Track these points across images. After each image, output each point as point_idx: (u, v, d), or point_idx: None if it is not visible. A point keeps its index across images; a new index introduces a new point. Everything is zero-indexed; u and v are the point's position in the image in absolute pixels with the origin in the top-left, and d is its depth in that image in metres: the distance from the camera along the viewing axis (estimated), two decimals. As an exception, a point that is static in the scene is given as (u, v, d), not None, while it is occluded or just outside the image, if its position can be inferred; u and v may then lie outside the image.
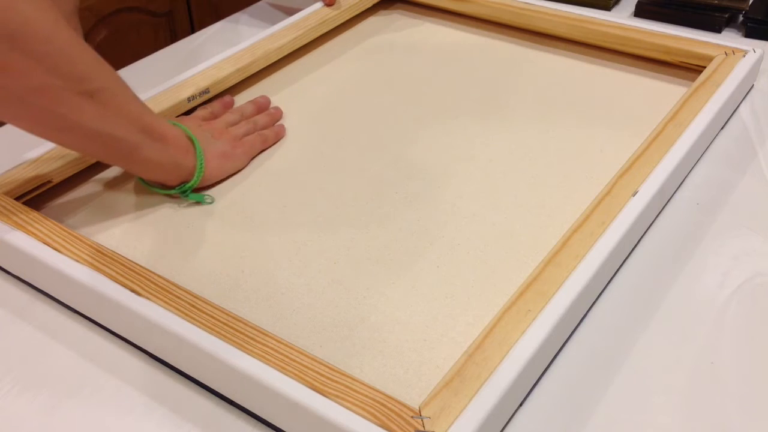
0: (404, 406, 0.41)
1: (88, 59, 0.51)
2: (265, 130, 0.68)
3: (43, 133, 0.53)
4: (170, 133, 0.58)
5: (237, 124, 0.68)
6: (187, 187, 0.60)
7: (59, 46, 0.49)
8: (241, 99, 0.75)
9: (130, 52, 0.91)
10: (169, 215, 0.60)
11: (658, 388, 0.46)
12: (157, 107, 0.67)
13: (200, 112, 0.69)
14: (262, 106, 0.72)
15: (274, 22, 0.81)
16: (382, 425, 0.40)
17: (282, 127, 0.69)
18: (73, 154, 0.62)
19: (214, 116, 0.69)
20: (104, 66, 0.53)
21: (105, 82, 0.53)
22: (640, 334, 0.49)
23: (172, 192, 0.61)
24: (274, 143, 0.68)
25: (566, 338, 0.49)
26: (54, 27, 0.49)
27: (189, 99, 0.70)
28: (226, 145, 0.64)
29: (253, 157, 0.66)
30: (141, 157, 0.57)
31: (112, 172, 0.65)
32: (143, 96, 0.68)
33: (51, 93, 0.50)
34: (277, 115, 0.71)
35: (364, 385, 0.42)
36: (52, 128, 0.53)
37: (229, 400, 0.46)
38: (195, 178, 0.60)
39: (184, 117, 0.68)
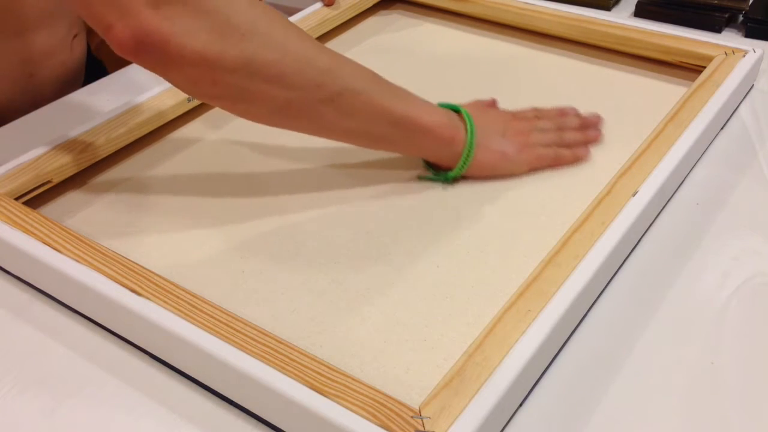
0: (404, 406, 0.41)
1: (321, 65, 0.52)
2: (566, 149, 0.63)
3: (308, 133, 0.57)
4: (429, 124, 0.57)
5: (546, 131, 0.64)
6: (450, 176, 0.60)
7: (289, 62, 0.51)
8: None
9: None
10: (169, 215, 0.60)
11: (658, 388, 0.46)
12: (158, 107, 0.67)
13: (525, 112, 0.66)
14: (588, 122, 0.66)
15: (274, 22, 0.81)
16: (382, 425, 0.40)
17: (586, 150, 0.63)
18: (72, 154, 0.62)
19: (535, 117, 0.65)
20: (341, 66, 0.54)
21: (343, 84, 0.53)
22: (640, 334, 0.49)
23: (435, 179, 0.61)
24: (568, 164, 0.63)
25: (566, 338, 0.49)
26: (282, 43, 0.51)
27: (189, 99, 0.70)
28: (511, 147, 0.61)
29: (536, 170, 0.62)
30: (399, 147, 0.60)
31: (113, 172, 0.65)
32: (144, 96, 0.68)
33: (294, 106, 0.53)
34: (593, 137, 0.65)
35: (364, 385, 0.42)
36: (312, 130, 0.57)
37: (229, 400, 0.46)
38: (456, 168, 0.60)
39: (481, 101, 0.67)
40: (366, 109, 0.55)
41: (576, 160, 0.63)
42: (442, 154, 0.60)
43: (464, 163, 0.59)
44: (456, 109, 0.61)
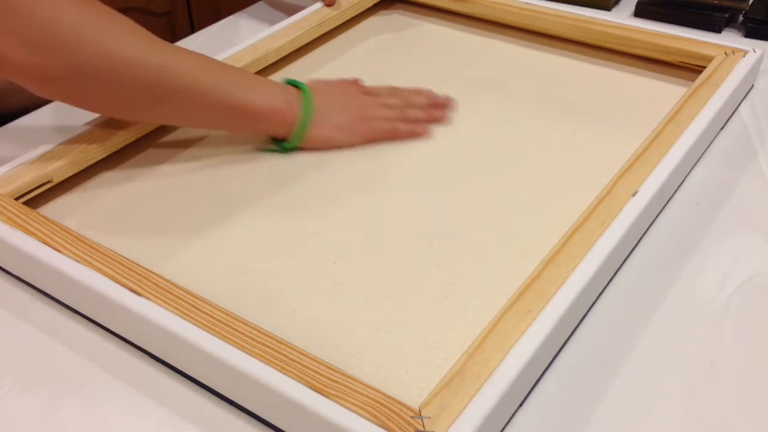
0: (404, 406, 0.41)
1: (153, 65, 0.56)
2: (404, 124, 0.67)
3: (153, 123, 0.65)
4: (264, 108, 0.61)
5: (390, 107, 0.67)
6: (285, 147, 0.64)
7: (118, 67, 0.54)
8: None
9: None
10: (169, 215, 0.60)
11: (658, 388, 0.46)
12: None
13: (378, 89, 0.69)
14: (436, 102, 0.69)
15: (274, 22, 0.81)
16: (382, 425, 0.40)
17: (426, 128, 0.67)
18: (72, 154, 0.62)
19: (386, 94, 0.68)
20: (175, 64, 0.57)
21: (176, 82, 0.57)
22: (640, 334, 0.49)
23: (274, 150, 0.65)
24: (406, 138, 0.66)
25: (566, 338, 0.49)
26: (109, 48, 0.54)
27: (189, 99, 0.70)
28: (349, 120, 0.65)
29: (373, 141, 0.66)
30: (238, 130, 0.65)
31: (113, 172, 0.65)
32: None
33: (131, 105, 0.58)
34: (437, 117, 0.68)
35: (364, 385, 0.42)
36: (156, 122, 0.64)
37: (229, 400, 0.46)
38: (289, 141, 0.63)
39: (340, 80, 0.71)
40: (201, 102, 0.59)
41: (412, 135, 0.66)
42: (278, 132, 0.64)
43: (297, 137, 0.63)
44: (298, 86, 0.65)
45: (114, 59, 0.54)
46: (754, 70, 0.71)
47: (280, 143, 0.65)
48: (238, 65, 0.74)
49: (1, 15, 0.51)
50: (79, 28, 0.53)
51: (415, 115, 0.67)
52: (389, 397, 0.41)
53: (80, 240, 0.52)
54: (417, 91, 0.70)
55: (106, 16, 0.55)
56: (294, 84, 0.65)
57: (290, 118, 0.63)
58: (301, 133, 0.63)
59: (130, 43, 0.55)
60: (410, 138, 0.66)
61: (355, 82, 0.71)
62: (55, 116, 0.74)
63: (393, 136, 0.66)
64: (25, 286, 0.55)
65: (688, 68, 0.73)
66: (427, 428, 0.40)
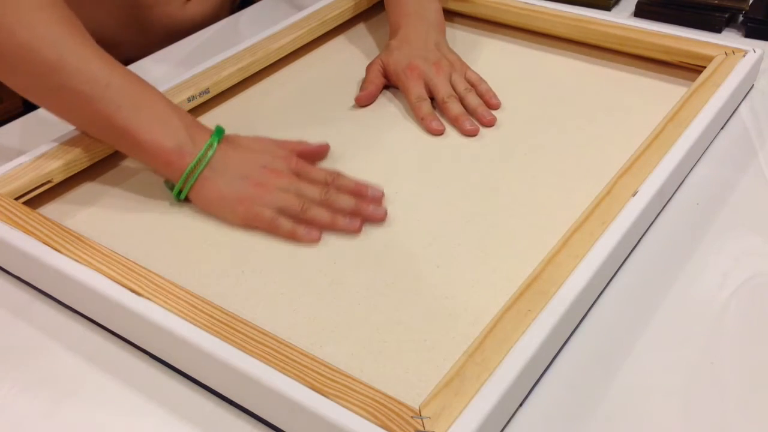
0: (404, 406, 0.41)
1: (49, 57, 0.55)
2: (290, 221, 0.56)
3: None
4: (148, 142, 0.56)
5: (312, 193, 0.57)
6: (173, 194, 0.59)
7: (14, 48, 0.55)
8: (241, 99, 0.75)
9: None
10: (169, 215, 0.60)
11: (658, 388, 0.46)
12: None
13: (309, 170, 0.59)
14: (358, 210, 0.57)
15: (274, 22, 0.81)
16: (382, 425, 0.40)
17: (313, 234, 0.56)
18: (72, 154, 0.62)
19: (307, 179, 0.59)
20: (74, 62, 0.56)
21: (64, 81, 0.56)
22: (640, 334, 0.49)
23: (169, 189, 0.60)
24: (286, 238, 0.56)
25: (566, 338, 0.49)
26: (9, 28, 0.55)
27: (189, 99, 0.70)
28: (236, 194, 0.57)
29: (252, 227, 0.57)
30: (124, 152, 0.61)
31: (113, 172, 0.65)
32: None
33: (29, 91, 0.59)
34: (340, 225, 0.56)
35: (364, 385, 0.42)
36: (58, 115, 0.61)
37: (229, 400, 0.46)
38: (174, 191, 0.58)
39: (279, 142, 0.61)
40: (84, 110, 0.57)
41: (292, 238, 0.56)
42: (164, 173, 0.59)
43: (179, 190, 0.58)
44: (221, 132, 0.59)
45: (12, 38, 0.55)
46: (754, 70, 0.71)
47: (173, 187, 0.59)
48: (238, 65, 0.74)
49: None
50: None
51: (313, 214, 0.56)
52: (389, 397, 0.41)
53: (80, 240, 0.52)
54: (357, 189, 0.58)
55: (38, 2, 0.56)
56: (218, 131, 0.59)
57: (177, 164, 0.56)
58: (186, 186, 0.57)
59: (40, 28, 0.56)
60: (290, 239, 0.56)
61: (289, 152, 0.60)
62: (56, 117, 0.74)
63: (271, 230, 0.56)
64: (25, 286, 0.55)
65: (688, 68, 0.73)
66: (427, 428, 0.40)
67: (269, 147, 0.60)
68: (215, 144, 0.58)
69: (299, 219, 0.56)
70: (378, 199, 0.59)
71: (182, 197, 0.59)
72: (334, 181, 0.58)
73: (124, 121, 0.57)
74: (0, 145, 0.69)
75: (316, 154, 0.63)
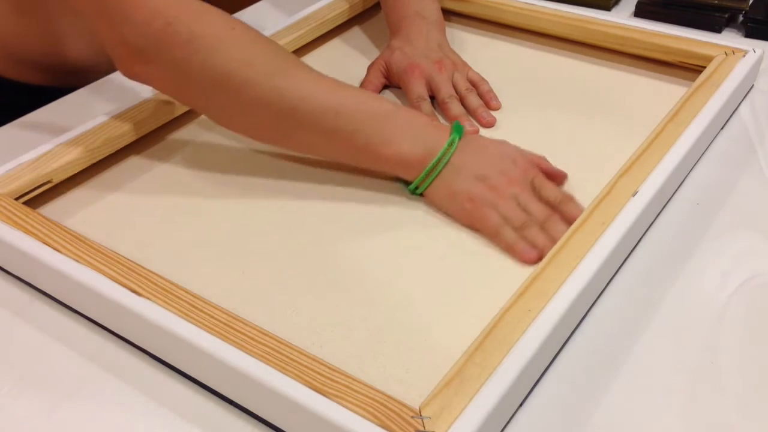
0: (404, 406, 0.41)
1: (277, 105, 0.56)
2: (515, 235, 0.54)
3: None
4: (387, 153, 0.57)
5: (523, 214, 0.56)
6: (409, 189, 0.60)
7: (247, 102, 0.56)
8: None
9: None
10: (169, 215, 0.60)
11: (658, 388, 0.46)
12: (157, 107, 0.67)
13: (536, 178, 0.58)
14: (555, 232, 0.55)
15: (274, 22, 0.81)
16: (382, 425, 0.40)
17: (533, 255, 0.53)
18: (72, 154, 0.62)
19: (532, 191, 0.57)
20: (299, 104, 0.56)
21: (296, 122, 0.56)
22: (640, 334, 0.49)
23: (403, 185, 0.61)
24: (502, 248, 0.55)
25: (566, 338, 0.49)
26: (241, 85, 0.55)
27: (189, 99, 0.70)
28: (468, 192, 0.56)
29: (474, 228, 0.56)
30: (361, 166, 0.61)
31: (113, 172, 0.65)
32: (144, 96, 0.68)
33: (258, 134, 0.61)
34: (539, 250, 0.54)
35: (364, 385, 0.42)
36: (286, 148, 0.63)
37: (229, 400, 0.46)
38: (413, 185, 0.59)
39: (520, 150, 0.60)
40: (324, 141, 0.58)
41: (510, 249, 0.54)
42: (403, 175, 0.60)
43: (421, 185, 0.59)
44: (460, 129, 0.59)
45: (246, 94, 0.56)
46: (754, 70, 0.71)
47: (409, 183, 0.60)
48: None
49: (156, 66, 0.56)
50: (207, 69, 0.55)
51: (530, 234, 0.54)
52: (389, 397, 0.41)
53: (80, 240, 0.52)
54: (567, 197, 0.57)
55: (240, 46, 0.57)
56: (456, 129, 0.59)
57: (416, 165, 0.58)
58: (425, 184, 0.58)
59: (260, 76, 0.56)
60: (508, 251, 0.54)
61: (530, 163, 0.59)
62: (55, 116, 0.74)
63: (491, 236, 0.55)
64: (25, 286, 0.55)
65: (688, 68, 0.73)
66: (427, 428, 0.40)
67: (512, 153, 0.59)
68: (456, 142, 0.58)
69: (518, 232, 0.55)
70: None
71: (418, 193, 0.59)
72: (561, 205, 0.56)
73: (362, 141, 0.57)
74: (0, 145, 0.69)
75: (553, 175, 0.60)
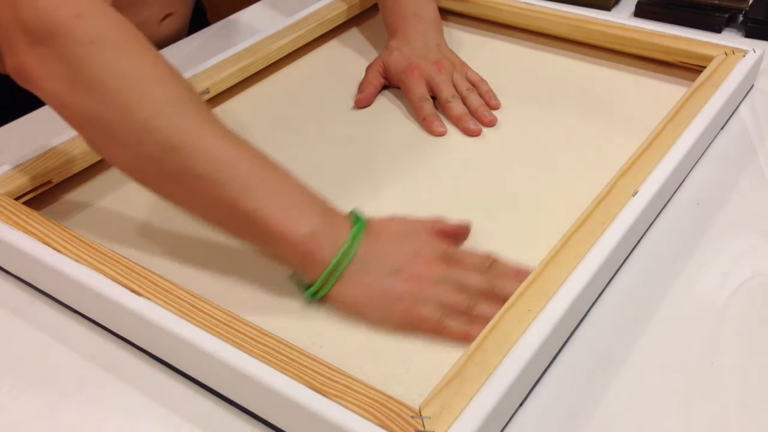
0: (404, 406, 0.41)
1: (164, 139, 0.47)
2: (457, 321, 0.48)
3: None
4: (282, 230, 0.47)
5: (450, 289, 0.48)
6: (307, 295, 0.50)
7: (129, 129, 0.47)
8: (242, 99, 0.75)
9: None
10: (169, 215, 0.60)
11: (658, 388, 0.46)
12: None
13: (454, 253, 0.51)
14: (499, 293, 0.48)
15: (274, 22, 0.81)
16: (382, 425, 0.40)
17: (477, 330, 0.45)
18: (72, 154, 0.62)
19: (457, 264, 0.50)
20: (192, 143, 0.47)
21: (184, 165, 0.47)
22: (640, 334, 0.49)
23: (300, 288, 0.51)
24: (450, 339, 0.48)
25: (566, 338, 0.49)
26: (126, 106, 0.47)
27: (189, 99, 0.70)
28: (390, 292, 0.48)
29: (406, 331, 0.48)
30: (252, 245, 0.51)
31: (113, 172, 0.65)
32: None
33: (141, 173, 0.50)
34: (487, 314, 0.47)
35: (364, 385, 0.42)
36: (168, 200, 0.51)
37: (229, 400, 0.46)
38: (310, 291, 0.49)
39: (418, 222, 0.52)
40: (205, 196, 0.48)
41: (465, 339, 0.47)
42: (300, 269, 0.50)
43: (321, 288, 0.49)
44: (360, 217, 0.51)
45: (127, 118, 0.47)
46: (754, 70, 0.71)
47: (304, 286, 0.51)
48: (239, 65, 0.74)
49: (48, 48, 0.47)
50: (106, 78, 0.47)
51: (482, 310, 0.48)
52: (389, 396, 0.41)
53: (80, 240, 0.52)
54: (519, 273, 0.50)
55: (147, 71, 0.49)
56: (357, 219, 0.51)
57: (315, 256, 0.48)
58: (327, 285, 0.49)
59: (155, 107, 0.47)
60: (455, 341, 0.48)
61: (432, 234, 0.52)
62: (55, 116, 0.74)
63: (437, 333, 0.48)
64: (25, 286, 0.55)
65: (688, 68, 0.73)
66: (427, 428, 0.40)
67: (413, 230, 0.52)
68: (360, 234, 0.49)
69: (466, 316, 0.48)
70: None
71: (318, 297, 0.49)
72: (492, 267, 0.50)
73: (252, 204, 0.47)
74: (0, 145, 0.69)
75: (457, 234, 0.54)
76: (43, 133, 0.71)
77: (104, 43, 0.48)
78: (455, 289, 0.48)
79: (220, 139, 0.49)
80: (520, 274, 0.49)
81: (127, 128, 0.47)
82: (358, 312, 0.49)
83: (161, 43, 0.88)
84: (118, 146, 0.49)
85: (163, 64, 0.50)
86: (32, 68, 0.48)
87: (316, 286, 0.49)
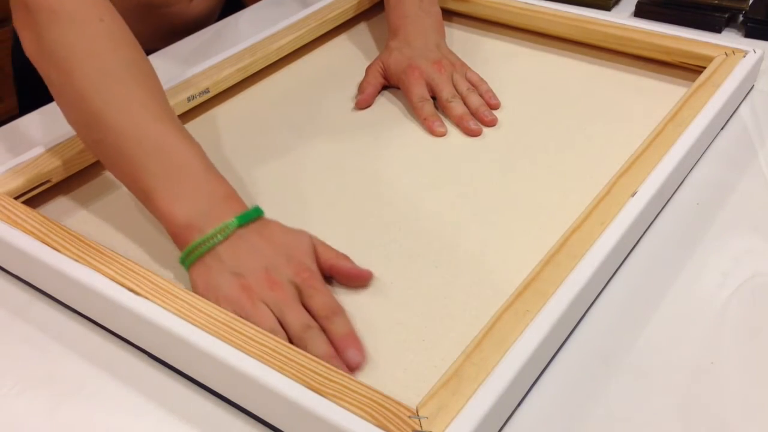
0: (402, 406, 0.41)
1: (92, 108, 0.54)
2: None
3: None
4: (164, 209, 0.51)
5: (307, 318, 0.48)
6: (179, 259, 0.52)
7: (68, 95, 0.55)
8: (242, 99, 0.75)
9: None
10: (168, 215, 0.60)
11: (658, 388, 0.46)
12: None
13: (302, 272, 0.50)
14: (345, 356, 0.47)
15: (274, 22, 0.81)
16: (380, 425, 0.40)
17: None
18: (72, 154, 0.62)
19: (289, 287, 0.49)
20: (114, 115, 0.53)
21: (104, 134, 0.54)
22: (639, 334, 0.49)
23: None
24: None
25: (565, 338, 0.49)
26: (69, 72, 0.54)
27: (189, 99, 0.70)
28: (216, 286, 0.49)
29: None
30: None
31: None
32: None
33: (78, 135, 0.58)
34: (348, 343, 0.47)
35: (362, 385, 0.42)
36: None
37: (229, 400, 0.46)
38: (180, 258, 0.52)
39: (309, 247, 0.52)
40: (119, 166, 0.54)
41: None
42: (174, 241, 0.53)
43: (183, 262, 0.52)
44: (249, 216, 0.52)
45: (69, 84, 0.54)
46: (754, 71, 0.71)
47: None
48: (238, 65, 0.74)
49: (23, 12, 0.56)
50: (61, 42, 0.55)
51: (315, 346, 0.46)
52: (387, 397, 0.41)
53: (80, 240, 0.52)
54: (343, 343, 0.47)
55: (97, 42, 0.55)
56: (250, 212, 0.52)
57: (183, 237, 0.51)
58: (186, 263, 0.51)
59: (95, 77, 0.54)
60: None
61: (304, 264, 0.51)
62: (55, 116, 0.74)
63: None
64: (25, 286, 0.55)
65: (688, 68, 0.73)
66: (424, 428, 0.40)
67: (291, 248, 0.51)
68: (230, 228, 0.50)
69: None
70: (356, 364, 0.46)
71: (185, 266, 0.52)
72: (328, 319, 0.48)
73: (148, 183, 0.52)
74: (0, 145, 0.69)
75: (352, 277, 0.52)
76: (43, 133, 0.71)
77: (60, 15, 0.55)
78: (272, 320, 0.47)
79: (137, 117, 0.53)
80: (345, 345, 0.47)
81: (67, 93, 0.55)
82: (198, 295, 0.49)
83: (191, 24, 0.90)
84: (63, 106, 0.57)
85: (109, 39, 0.56)
86: (19, 32, 0.57)
87: (181, 257, 0.52)
